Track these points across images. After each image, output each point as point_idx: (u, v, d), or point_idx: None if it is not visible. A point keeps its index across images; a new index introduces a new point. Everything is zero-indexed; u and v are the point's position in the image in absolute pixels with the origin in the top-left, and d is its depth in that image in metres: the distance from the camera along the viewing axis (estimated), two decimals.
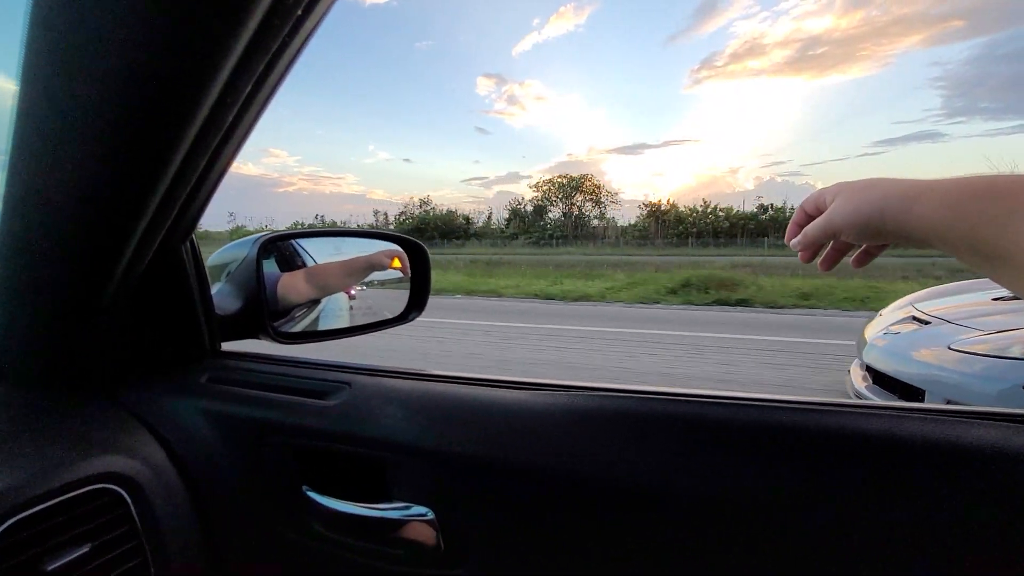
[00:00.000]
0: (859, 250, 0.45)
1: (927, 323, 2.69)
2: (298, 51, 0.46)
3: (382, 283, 1.00)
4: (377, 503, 0.56)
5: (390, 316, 0.92)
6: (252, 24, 0.36)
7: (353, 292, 1.00)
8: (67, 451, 0.51)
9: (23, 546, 0.45)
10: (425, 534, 0.54)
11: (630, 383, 0.56)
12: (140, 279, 0.59)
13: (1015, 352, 2.18)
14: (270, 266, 0.92)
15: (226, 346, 0.77)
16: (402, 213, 53.46)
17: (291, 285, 0.91)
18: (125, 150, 0.42)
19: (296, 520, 0.59)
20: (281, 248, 0.94)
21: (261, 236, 0.75)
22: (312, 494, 0.59)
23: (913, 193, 0.35)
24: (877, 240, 0.39)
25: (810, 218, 0.44)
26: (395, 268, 0.97)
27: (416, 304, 0.94)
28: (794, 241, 0.45)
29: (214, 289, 0.78)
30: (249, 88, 0.44)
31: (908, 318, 2.85)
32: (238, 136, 0.51)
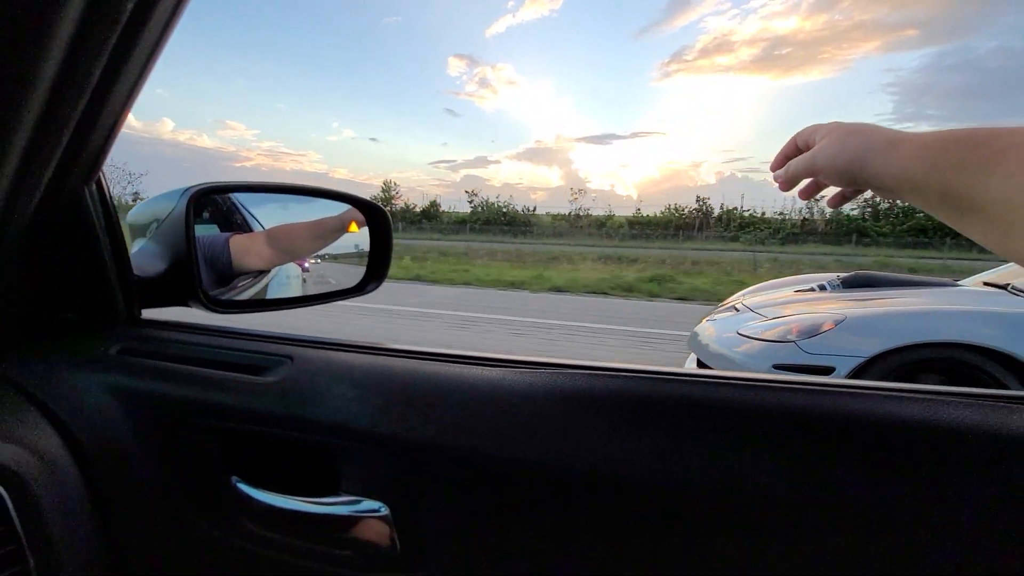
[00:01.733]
0: (836, 190, 0.45)
1: (738, 311, 2.95)
2: None
3: (335, 257, 0.91)
4: (322, 497, 0.48)
5: (345, 287, 0.83)
6: None
7: (306, 264, 0.90)
8: None
9: None
10: (378, 533, 0.46)
11: (620, 361, 0.49)
12: (32, 227, 0.48)
13: (770, 336, 2.46)
14: (210, 227, 0.80)
15: (149, 315, 0.66)
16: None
17: (248, 248, 0.80)
18: None
19: (223, 517, 0.50)
20: (218, 203, 0.82)
21: (191, 188, 0.64)
22: (243, 486, 0.49)
23: (895, 141, 0.35)
24: (853, 186, 0.40)
25: (798, 151, 0.45)
26: (352, 232, 0.88)
27: (375, 274, 0.85)
28: (777, 172, 0.45)
29: (136, 247, 0.67)
30: None
31: (730, 306, 3.11)
32: (140, 54, 0.41)
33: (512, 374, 0.48)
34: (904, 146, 0.34)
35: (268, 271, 0.87)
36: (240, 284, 0.83)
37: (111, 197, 0.56)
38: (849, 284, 3.04)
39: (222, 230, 0.81)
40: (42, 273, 0.54)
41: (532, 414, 0.45)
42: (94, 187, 0.53)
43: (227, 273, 0.77)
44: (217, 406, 0.50)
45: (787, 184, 0.44)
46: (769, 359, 2.36)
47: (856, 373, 2.22)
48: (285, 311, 0.76)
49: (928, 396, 0.40)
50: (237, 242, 0.79)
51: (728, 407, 0.42)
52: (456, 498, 0.45)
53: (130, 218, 0.70)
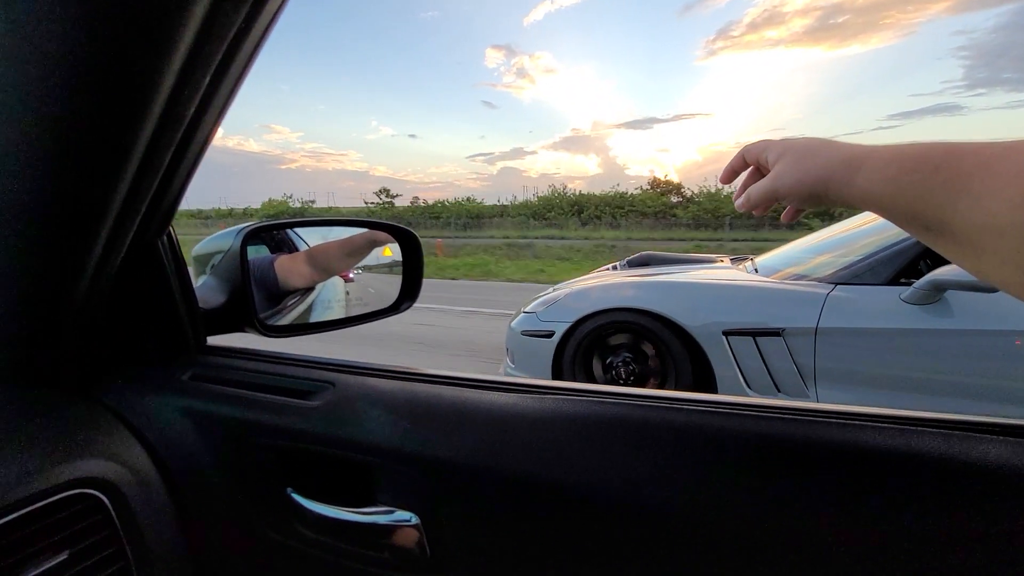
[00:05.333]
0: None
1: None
2: (264, 34, 0.43)
3: (370, 268, 0.98)
4: (361, 507, 0.55)
5: (382, 307, 0.90)
6: (200, 11, 0.33)
7: (351, 275, 0.98)
8: (43, 455, 0.50)
9: None
10: (411, 539, 0.53)
11: (624, 387, 0.54)
12: (117, 274, 0.58)
13: (529, 308, 2.86)
14: (262, 251, 0.89)
15: (214, 340, 0.75)
16: None
17: (290, 268, 0.89)
18: (76, 148, 0.39)
19: (281, 522, 0.58)
20: (271, 238, 0.92)
21: (245, 227, 0.73)
22: (296, 496, 0.57)
23: (855, 163, 0.35)
24: (820, 207, 0.40)
25: (746, 165, 0.46)
26: (386, 257, 0.95)
27: (409, 294, 0.92)
28: (738, 203, 0.45)
29: (199, 282, 0.76)
30: (208, 78, 0.41)
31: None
32: (204, 129, 0.48)
33: (523, 399, 0.54)
34: (865, 166, 0.34)
35: (312, 289, 0.96)
36: (290, 303, 0.92)
37: (179, 245, 0.65)
38: (633, 264, 3.49)
39: (272, 252, 0.91)
40: (126, 313, 0.64)
41: (540, 437, 0.50)
42: (165, 239, 0.62)
43: (275, 292, 0.86)
44: (273, 427, 0.58)
45: (749, 209, 0.45)
46: (521, 327, 2.78)
47: (565, 334, 2.63)
48: (329, 332, 0.84)
49: (902, 424, 0.43)
50: (282, 263, 0.88)
51: (717, 434, 0.46)
52: (475, 510, 0.51)
53: (195, 252, 0.80)
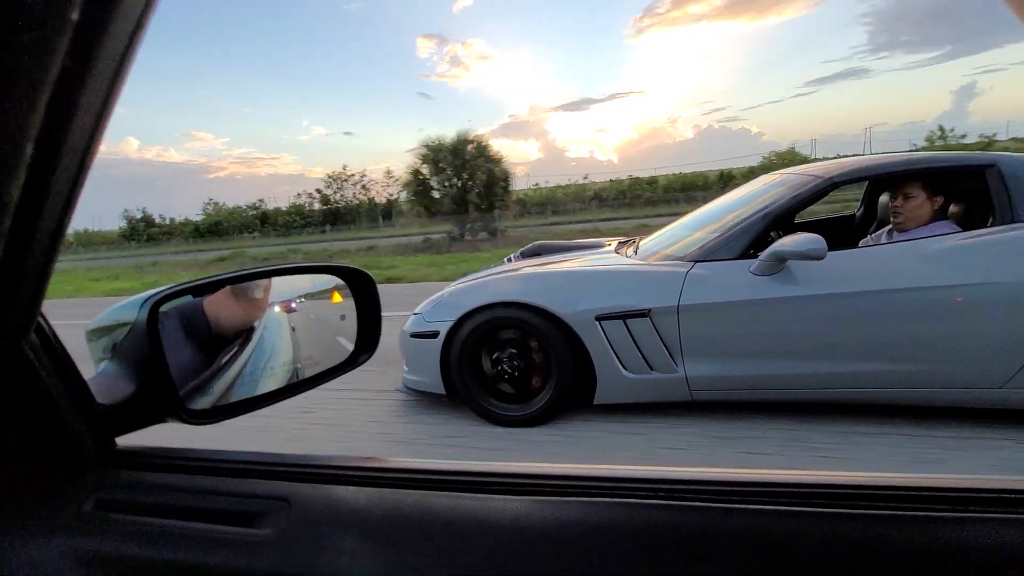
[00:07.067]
0: None
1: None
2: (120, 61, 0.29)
3: (312, 296, 0.85)
4: None
5: (334, 363, 0.77)
6: None
7: (294, 305, 0.84)
8: None
9: None
10: None
11: (681, 468, 0.43)
12: None
13: (418, 309, 2.74)
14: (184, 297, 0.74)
15: (130, 440, 0.60)
16: None
17: (220, 305, 0.74)
18: None
19: None
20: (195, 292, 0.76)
21: (151, 295, 0.57)
22: None
23: None
24: None
25: None
26: (336, 303, 0.81)
27: (366, 344, 0.79)
28: None
29: (100, 368, 0.60)
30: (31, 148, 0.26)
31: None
32: (54, 205, 0.33)
33: (539, 506, 0.42)
34: None
35: (250, 340, 0.81)
36: (224, 360, 0.77)
37: (55, 338, 0.49)
38: (525, 254, 3.42)
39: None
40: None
41: (563, 559, 0.39)
42: (33, 336, 0.46)
43: (206, 339, 0.72)
44: (209, 572, 0.45)
45: None
46: (410, 329, 2.68)
47: (449, 333, 2.52)
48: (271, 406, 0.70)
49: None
50: (211, 303, 0.73)
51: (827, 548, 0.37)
52: None
53: (89, 328, 0.64)
